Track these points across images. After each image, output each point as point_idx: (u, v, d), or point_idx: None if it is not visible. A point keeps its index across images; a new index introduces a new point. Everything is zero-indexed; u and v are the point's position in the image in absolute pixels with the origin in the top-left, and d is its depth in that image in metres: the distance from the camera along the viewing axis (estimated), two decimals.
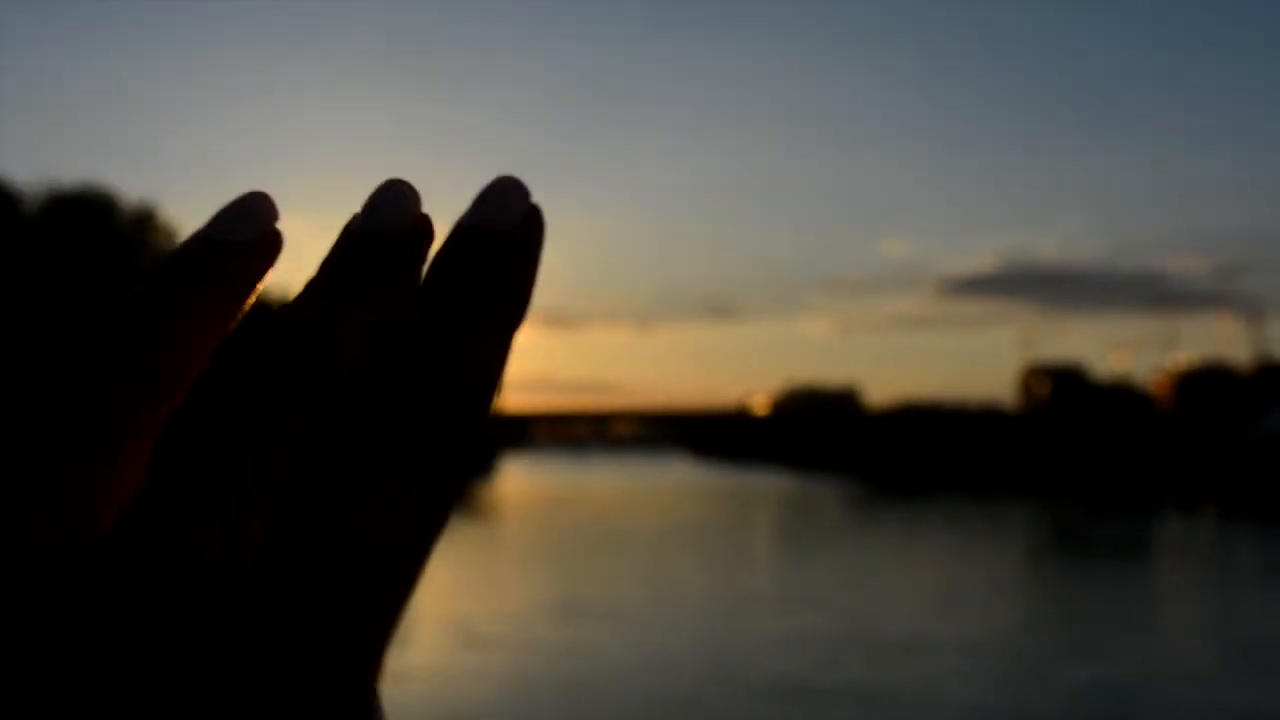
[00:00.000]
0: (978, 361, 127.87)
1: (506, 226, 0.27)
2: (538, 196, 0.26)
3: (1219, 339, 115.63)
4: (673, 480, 53.24)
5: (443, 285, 0.27)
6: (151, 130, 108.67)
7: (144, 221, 24.32)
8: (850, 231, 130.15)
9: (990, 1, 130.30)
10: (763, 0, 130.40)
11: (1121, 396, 65.72)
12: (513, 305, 0.27)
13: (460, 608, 15.05)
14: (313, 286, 0.27)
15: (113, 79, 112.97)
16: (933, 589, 17.83)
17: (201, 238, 0.29)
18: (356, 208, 0.26)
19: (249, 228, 0.29)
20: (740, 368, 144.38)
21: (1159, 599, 18.21)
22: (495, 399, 0.26)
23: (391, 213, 0.28)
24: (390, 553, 0.24)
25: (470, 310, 0.26)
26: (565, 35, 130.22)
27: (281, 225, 0.27)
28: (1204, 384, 66.79)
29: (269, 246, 0.29)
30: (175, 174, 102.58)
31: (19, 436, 0.25)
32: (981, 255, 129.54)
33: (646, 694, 10.88)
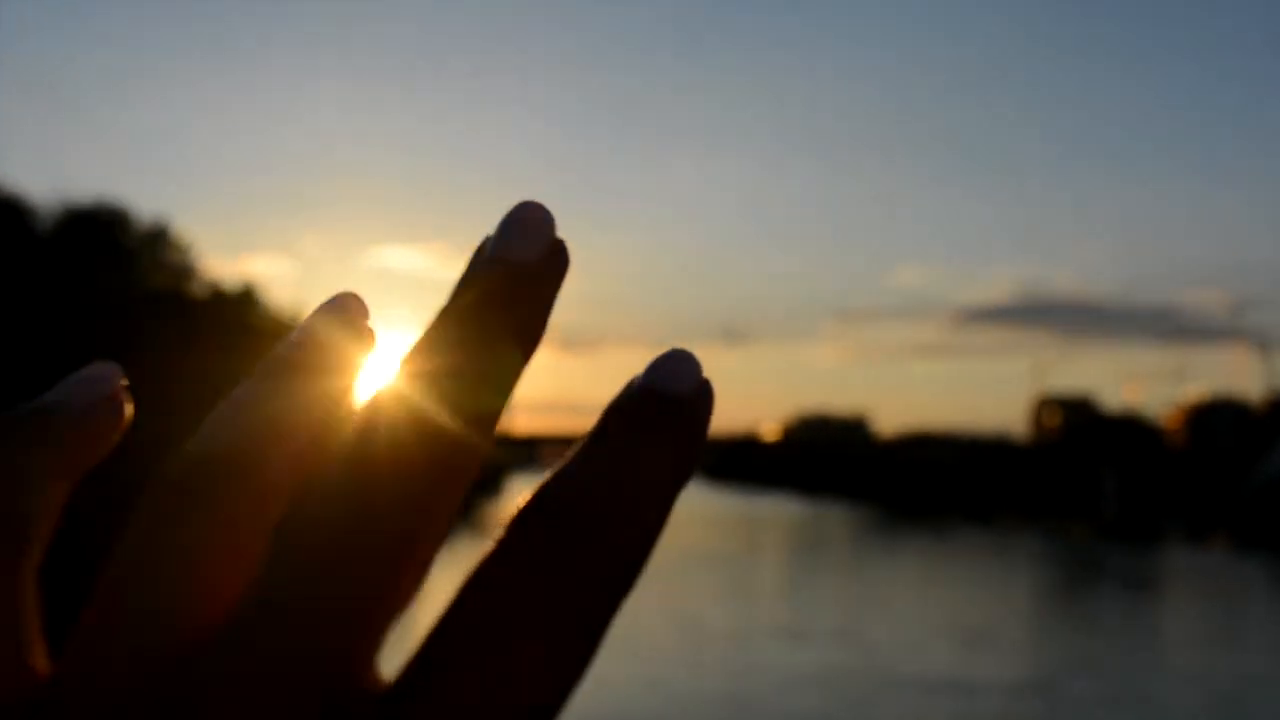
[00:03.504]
0: (990, 391, 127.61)
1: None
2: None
3: (1232, 373, 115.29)
4: (681, 503, 52.95)
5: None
6: (165, 144, 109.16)
7: (157, 239, 24.41)
8: (865, 259, 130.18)
9: (1007, 33, 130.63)
10: (780, 28, 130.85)
11: (1132, 429, 65.48)
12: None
13: None
14: (452, 313, 0.27)
15: (128, 91, 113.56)
16: (944, 621, 17.68)
17: (302, 339, 0.28)
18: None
19: (350, 324, 0.29)
20: (751, 393, 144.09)
21: (1171, 633, 18.04)
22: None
23: (527, 240, 0.27)
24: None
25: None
26: (584, 59, 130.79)
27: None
28: (1215, 418, 66.49)
29: (366, 340, 0.29)
30: (190, 188, 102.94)
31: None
32: (996, 285, 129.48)
33: None
